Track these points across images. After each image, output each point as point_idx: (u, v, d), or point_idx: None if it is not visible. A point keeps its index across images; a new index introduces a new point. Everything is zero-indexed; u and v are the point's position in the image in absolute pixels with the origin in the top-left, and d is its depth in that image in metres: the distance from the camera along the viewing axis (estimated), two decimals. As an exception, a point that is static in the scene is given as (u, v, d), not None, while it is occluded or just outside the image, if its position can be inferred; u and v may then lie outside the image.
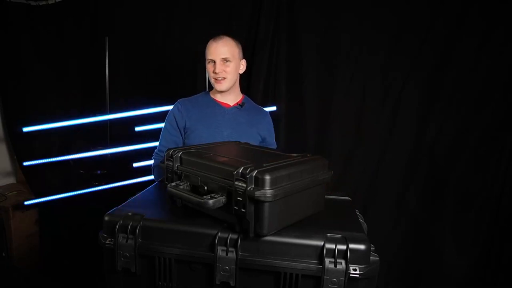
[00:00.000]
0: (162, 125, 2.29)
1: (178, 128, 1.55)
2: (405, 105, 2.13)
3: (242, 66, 1.58)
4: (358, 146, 2.22)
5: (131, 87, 2.53)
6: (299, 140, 2.30)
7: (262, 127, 1.61)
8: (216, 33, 1.54)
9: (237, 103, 1.60)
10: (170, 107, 2.29)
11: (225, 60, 1.48)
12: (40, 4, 2.52)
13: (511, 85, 1.98)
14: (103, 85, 2.36)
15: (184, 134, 1.56)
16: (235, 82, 1.56)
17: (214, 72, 1.48)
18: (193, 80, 2.47)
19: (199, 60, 2.34)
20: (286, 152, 1.08)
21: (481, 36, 1.97)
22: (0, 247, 2.39)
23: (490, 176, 2.05)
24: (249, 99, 1.70)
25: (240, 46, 1.57)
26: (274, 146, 1.68)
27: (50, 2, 2.52)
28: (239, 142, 1.26)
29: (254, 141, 1.55)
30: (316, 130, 2.27)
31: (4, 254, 2.39)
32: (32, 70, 2.60)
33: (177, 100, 1.60)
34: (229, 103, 1.58)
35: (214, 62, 1.48)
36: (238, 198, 0.81)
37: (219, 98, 1.59)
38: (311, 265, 0.82)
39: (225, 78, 1.49)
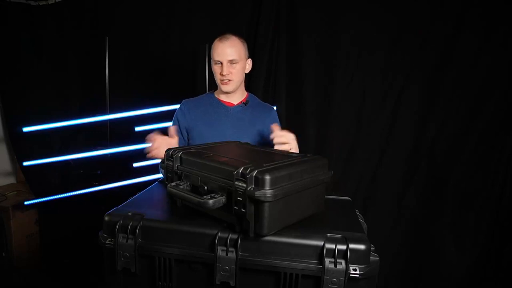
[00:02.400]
0: (161, 125, 2.30)
1: (180, 129, 1.55)
2: (405, 105, 2.13)
3: (248, 65, 1.57)
4: (358, 146, 2.22)
5: (131, 87, 2.53)
6: (299, 140, 2.30)
7: (266, 124, 1.55)
8: (218, 32, 1.53)
9: (240, 102, 1.58)
10: (170, 107, 2.29)
11: (232, 62, 1.46)
12: (40, 4, 2.52)
13: (511, 85, 1.98)
14: (103, 85, 2.36)
15: (188, 134, 1.55)
16: (241, 82, 1.55)
17: (221, 74, 1.46)
18: (192, 80, 2.47)
19: (199, 60, 2.34)
20: (286, 152, 1.08)
21: (481, 36, 1.97)
22: (0, 247, 2.38)
23: (490, 176, 2.05)
24: (255, 96, 1.68)
25: (245, 44, 1.54)
26: None
27: (50, 2, 2.51)
28: (239, 142, 1.26)
29: (258, 139, 1.53)
30: (316, 130, 2.27)
31: (4, 254, 2.39)
32: (32, 71, 2.60)
33: (182, 101, 1.60)
34: (233, 102, 1.57)
35: (221, 63, 1.45)
36: (238, 198, 0.81)
37: (223, 97, 1.58)
38: (311, 265, 0.82)
39: (231, 80, 1.47)
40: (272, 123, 1.56)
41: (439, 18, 2.02)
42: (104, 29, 2.44)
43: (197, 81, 2.41)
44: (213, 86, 2.30)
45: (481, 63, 1.99)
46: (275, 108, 2.13)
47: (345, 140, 2.24)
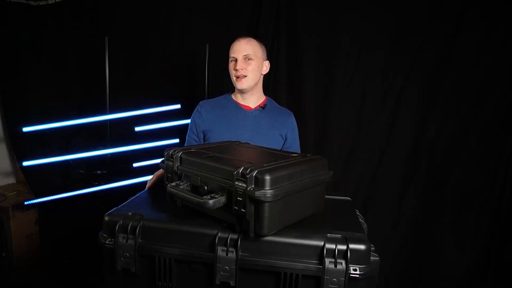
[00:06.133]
0: (161, 125, 2.30)
1: (197, 131, 1.55)
2: (405, 105, 2.13)
3: (266, 67, 1.57)
4: (358, 146, 2.22)
5: (131, 87, 2.53)
6: (299, 140, 2.31)
7: (284, 129, 1.57)
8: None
9: (258, 105, 1.57)
10: (170, 107, 2.29)
11: (247, 58, 1.47)
12: (40, 4, 2.52)
13: (511, 85, 1.98)
14: (103, 85, 2.36)
15: (204, 136, 1.55)
16: (257, 83, 1.54)
17: (235, 69, 1.47)
18: (192, 80, 2.47)
19: (199, 60, 2.34)
20: (286, 152, 1.08)
21: (481, 36, 1.97)
22: (0, 247, 2.38)
23: (490, 176, 2.05)
24: (273, 100, 1.68)
25: (264, 47, 1.55)
26: (297, 150, 1.61)
27: (50, 2, 2.51)
28: (239, 142, 1.26)
29: (276, 144, 1.52)
30: (316, 130, 2.27)
31: (4, 254, 2.39)
32: (32, 71, 2.60)
33: (200, 102, 1.60)
34: (250, 106, 1.56)
35: (236, 60, 1.47)
36: (238, 198, 0.81)
37: (240, 100, 1.57)
38: (311, 265, 0.82)
39: (245, 76, 1.47)
40: (289, 129, 1.59)
41: (439, 18, 2.02)
42: (104, 29, 2.44)
43: (197, 81, 2.40)
44: (213, 86, 2.32)
45: (481, 63, 1.99)
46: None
47: (345, 140, 2.24)
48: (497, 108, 2.00)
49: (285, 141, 1.59)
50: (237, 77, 1.48)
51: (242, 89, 1.51)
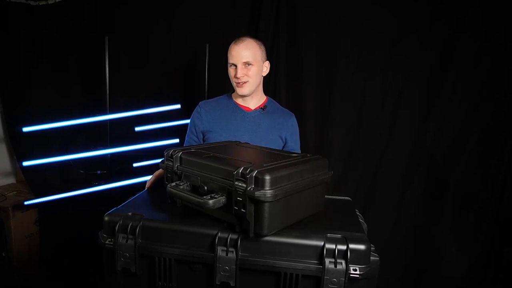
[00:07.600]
0: (161, 125, 2.30)
1: (196, 132, 1.55)
2: (405, 105, 2.13)
3: (266, 68, 1.54)
4: (358, 146, 2.22)
5: (131, 87, 2.53)
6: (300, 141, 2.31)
7: (284, 131, 1.56)
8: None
9: (258, 107, 1.56)
10: (170, 107, 2.29)
11: (247, 64, 1.44)
12: (40, 4, 2.52)
13: (511, 85, 1.98)
14: (103, 85, 2.37)
15: (203, 137, 1.54)
16: (258, 86, 1.52)
17: (236, 77, 1.44)
18: (192, 80, 2.47)
19: (199, 60, 2.35)
20: (286, 152, 1.08)
21: (481, 37, 1.97)
22: (0, 247, 2.38)
23: (490, 176, 2.05)
24: (274, 101, 1.67)
25: (263, 47, 1.52)
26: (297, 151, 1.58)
27: (50, 2, 2.51)
28: (239, 142, 1.26)
29: (276, 146, 1.51)
30: (316, 130, 2.27)
31: (4, 255, 2.39)
32: (32, 71, 2.60)
33: (199, 102, 1.59)
34: (250, 107, 1.55)
35: (236, 66, 1.44)
36: (238, 198, 0.81)
37: (240, 101, 1.56)
38: (311, 265, 0.82)
39: (246, 82, 1.46)
40: (289, 130, 1.57)
41: (439, 18, 2.02)
42: (104, 29, 2.44)
43: (197, 81, 2.40)
44: (213, 86, 2.32)
45: (481, 63, 1.99)
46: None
47: (345, 140, 2.24)
48: (497, 108, 2.00)
49: (285, 143, 1.58)
50: (238, 84, 1.47)
51: (244, 95, 1.51)
